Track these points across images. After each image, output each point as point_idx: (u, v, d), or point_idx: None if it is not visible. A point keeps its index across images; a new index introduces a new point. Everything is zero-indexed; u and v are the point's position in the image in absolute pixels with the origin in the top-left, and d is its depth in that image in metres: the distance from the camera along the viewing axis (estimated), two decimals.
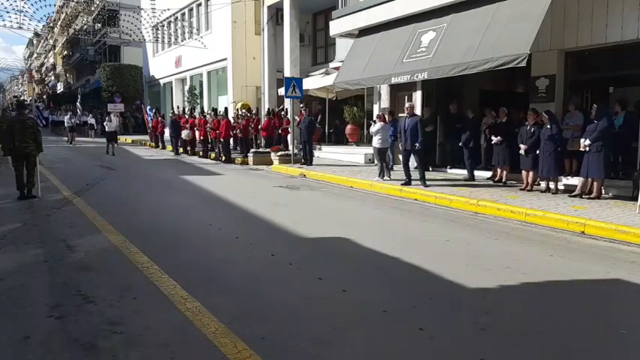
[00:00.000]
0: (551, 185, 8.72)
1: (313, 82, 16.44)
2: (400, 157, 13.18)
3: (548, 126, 8.37)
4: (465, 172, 10.59)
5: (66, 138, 27.89)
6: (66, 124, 25.37)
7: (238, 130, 16.09)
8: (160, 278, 4.34)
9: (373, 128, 10.83)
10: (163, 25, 26.13)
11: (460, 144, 10.48)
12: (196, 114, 19.75)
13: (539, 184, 9.26)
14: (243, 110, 17.41)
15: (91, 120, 28.89)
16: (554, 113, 8.84)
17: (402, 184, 9.57)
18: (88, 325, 3.38)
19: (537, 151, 8.52)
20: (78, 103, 31.06)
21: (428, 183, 9.45)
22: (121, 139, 24.97)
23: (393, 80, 10.56)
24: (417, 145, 9.52)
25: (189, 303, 3.77)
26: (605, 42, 8.57)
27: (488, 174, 10.38)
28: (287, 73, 16.39)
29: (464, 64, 8.81)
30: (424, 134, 9.68)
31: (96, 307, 3.70)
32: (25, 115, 8.99)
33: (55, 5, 53.55)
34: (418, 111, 12.57)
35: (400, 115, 13.16)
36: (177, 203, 8.61)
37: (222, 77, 22.21)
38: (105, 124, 19.43)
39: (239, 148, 16.74)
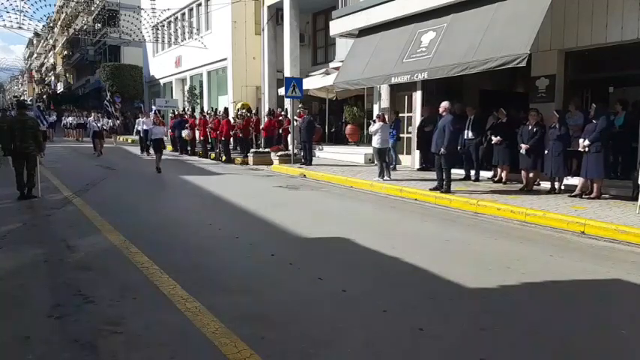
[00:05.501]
0: (549, 184, 8.73)
1: (313, 82, 16.44)
2: (401, 157, 13.31)
3: (557, 126, 8.36)
4: (462, 171, 10.60)
5: (68, 138, 27.73)
6: (90, 128, 19.79)
7: (238, 130, 16.10)
8: (160, 278, 4.33)
9: (372, 128, 10.82)
10: (163, 25, 26.12)
11: (459, 147, 10.38)
12: (196, 114, 19.76)
13: (538, 184, 9.27)
14: (243, 110, 17.42)
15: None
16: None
17: (430, 189, 8.98)
18: (88, 325, 3.38)
19: (546, 151, 8.50)
20: (107, 102, 23.74)
21: (429, 185, 9.41)
22: (121, 138, 25.02)
23: (393, 80, 10.56)
24: (443, 150, 8.70)
25: (189, 303, 3.77)
26: (605, 42, 8.57)
27: (489, 174, 10.39)
28: (287, 73, 16.40)
29: (464, 64, 8.80)
30: (453, 137, 8.85)
31: (96, 307, 3.69)
32: (25, 115, 8.99)
33: (55, 5, 53.61)
34: (418, 111, 12.63)
35: (401, 115, 13.25)
36: (177, 203, 8.61)
37: (222, 77, 22.21)
38: (149, 128, 15.46)
39: (239, 148, 16.76)
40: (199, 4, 23.25)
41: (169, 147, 19.97)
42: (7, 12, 35.16)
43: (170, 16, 25.37)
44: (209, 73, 23.54)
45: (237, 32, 20.22)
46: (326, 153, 15.78)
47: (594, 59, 9.43)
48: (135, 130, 20.70)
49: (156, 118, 14.82)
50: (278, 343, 3.16)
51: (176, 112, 20.53)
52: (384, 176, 10.46)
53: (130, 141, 24.57)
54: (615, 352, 3.20)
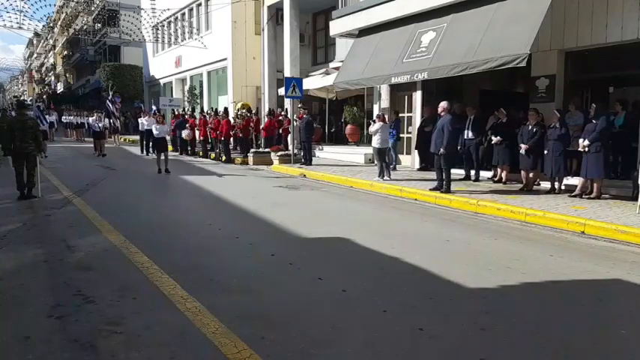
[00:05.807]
0: (549, 184, 8.73)
1: (313, 82, 16.44)
2: (401, 157, 13.31)
3: (557, 125, 8.35)
4: (462, 171, 10.60)
5: (68, 138, 27.69)
6: (92, 127, 19.18)
7: (238, 130, 16.10)
8: (160, 278, 4.34)
9: (372, 128, 10.83)
10: (163, 25, 26.13)
11: (459, 147, 10.36)
12: (196, 114, 19.72)
13: (538, 184, 9.27)
14: (243, 110, 17.42)
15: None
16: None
17: (430, 189, 8.97)
18: (88, 325, 3.38)
19: (546, 151, 8.49)
20: (109, 101, 21.80)
21: (429, 185, 9.39)
22: (122, 138, 24.98)
23: (393, 80, 10.56)
24: (442, 150, 8.68)
25: (189, 303, 3.77)
26: (605, 42, 8.57)
27: (489, 174, 10.39)
28: (287, 73, 16.40)
29: (464, 64, 8.80)
30: (452, 137, 8.80)
31: (96, 307, 3.69)
32: (25, 115, 9.00)
33: (55, 5, 53.61)
34: (418, 111, 12.63)
35: (401, 115, 13.25)
36: (177, 203, 8.62)
37: (222, 77, 22.21)
38: (152, 127, 14.06)
39: (239, 148, 16.76)
40: (199, 4, 23.25)
41: (170, 147, 19.95)
42: (7, 12, 35.09)
43: (170, 16, 25.37)
44: (209, 73, 23.54)
45: (237, 32, 20.22)
46: (326, 153, 15.78)
47: (594, 59, 9.43)
48: (139, 130, 20.45)
49: (157, 116, 14.76)
50: (278, 343, 3.16)
51: (177, 112, 20.50)
52: (384, 176, 10.46)
53: (130, 141, 24.56)
54: (615, 352, 3.20)
